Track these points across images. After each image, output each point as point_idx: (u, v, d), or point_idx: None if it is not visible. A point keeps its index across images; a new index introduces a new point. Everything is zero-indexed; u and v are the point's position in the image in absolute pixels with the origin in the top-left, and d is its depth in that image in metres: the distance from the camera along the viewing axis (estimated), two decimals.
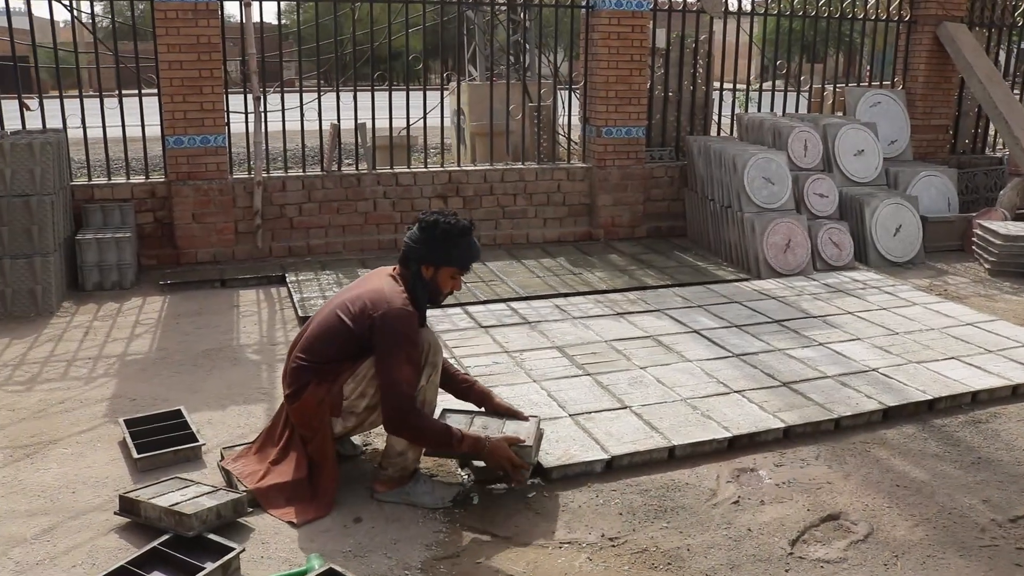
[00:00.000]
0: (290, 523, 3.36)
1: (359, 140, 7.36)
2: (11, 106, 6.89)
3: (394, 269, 3.56)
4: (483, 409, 3.78)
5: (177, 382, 4.79)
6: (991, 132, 10.05)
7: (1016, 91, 9.53)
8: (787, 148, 7.34)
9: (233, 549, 3.11)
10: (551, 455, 3.75)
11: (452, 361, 4.82)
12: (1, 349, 5.26)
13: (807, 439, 4.06)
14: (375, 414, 3.44)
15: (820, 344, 5.17)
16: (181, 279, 6.54)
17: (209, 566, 3.00)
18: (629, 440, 3.89)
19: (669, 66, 8.03)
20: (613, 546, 3.21)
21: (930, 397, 4.40)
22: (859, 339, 5.27)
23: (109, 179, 7.02)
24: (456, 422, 3.64)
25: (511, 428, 3.62)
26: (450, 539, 3.26)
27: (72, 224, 6.68)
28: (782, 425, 4.05)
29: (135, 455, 3.81)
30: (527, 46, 10.00)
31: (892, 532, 3.31)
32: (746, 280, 6.63)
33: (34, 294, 5.89)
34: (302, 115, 7.18)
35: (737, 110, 8.71)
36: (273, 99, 7.37)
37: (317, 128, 7.39)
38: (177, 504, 3.33)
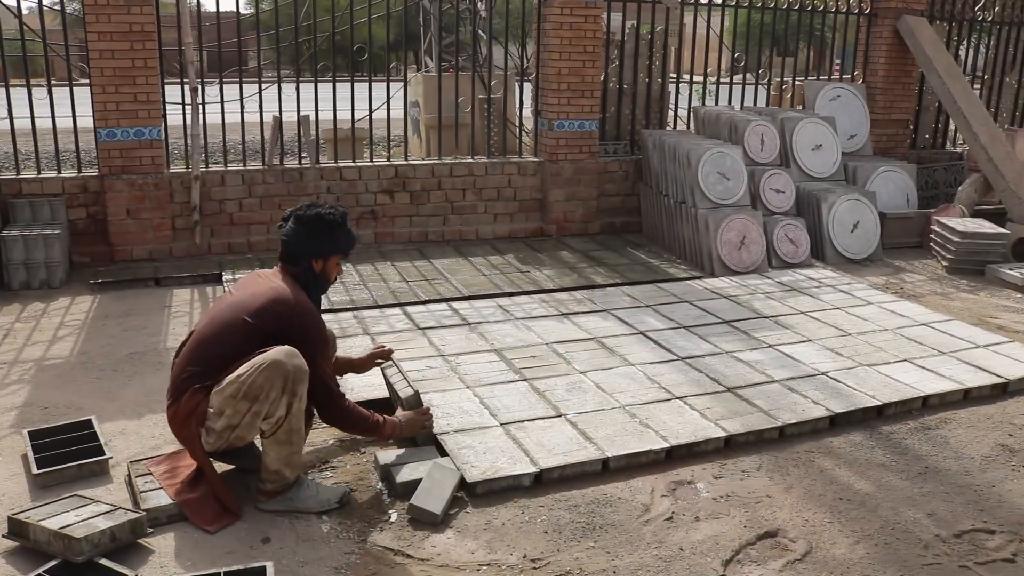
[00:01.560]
0: (205, 531, 3.22)
1: (301, 133, 7.08)
2: None
3: (278, 268, 3.48)
4: None
5: (95, 388, 4.54)
6: (951, 128, 9.95)
7: (975, 86, 9.43)
8: (743, 142, 7.17)
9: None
10: (476, 468, 3.54)
11: (384, 365, 4.63)
12: None
13: (749, 448, 3.89)
14: (235, 433, 3.22)
15: (769, 346, 5.00)
16: (113, 278, 6.25)
17: None
18: (561, 451, 3.69)
19: (624, 58, 7.83)
20: (535, 568, 3.01)
21: (879, 403, 4.24)
22: (810, 340, 5.11)
23: (39, 173, 6.71)
24: None
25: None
26: (362, 561, 3.05)
27: None
28: (723, 434, 3.87)
29: (34, 470, 3.57)
30: (483, 36, 9.76)
31: (831, 550, 3.14)
32: (699, 278, 6.45)
33: None
34: (242, 107, 6.89)
35: (695, 103, 8.54)
36: (218, 90, 7.10)
37: (258, 121, 7.12)
38: (68, 527, 3.10)
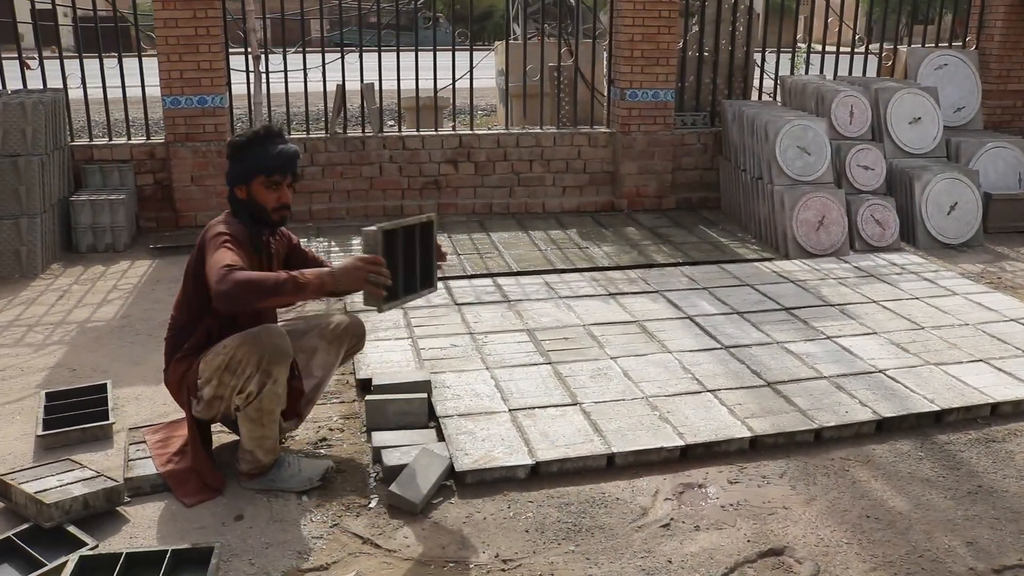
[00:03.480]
0: (183, 503, 3.16)
1: (365, 102, 6.97)
2: (13, 66, 6.78)
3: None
4: None
5: (124, 353, 4.57)
6: None
7: None
8: (830, 114, 6.62)
9: (85, 544, 2.86)
10: (469, 456, 3.34)
11: (409, 343, 4.48)
12: None
13: (777, 452, 3.53)
14: (223, 404, 3.13)
15: (827, 337, 4.56)
16: (174, 243, 6.34)
17: (48, 565, 2.74)
18: (564, 444, 3.44)
19: (705, 24, 7.35)
20: (503, 570, 2.79)
21: (937, 408, 3.78)
22: (875, 333, 4.64)
23: (109, 139, 6.86)
24: None
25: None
26: (327, 547, 2.91)
27: (71, 185, 6.55)
28: (748, 434, 3.52)
29: (39, 432, 3.60)
30: (571, 2, 9.41)
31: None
32: (770, 260, 6.00)
33: (19, 255, 5.77)
34: (305, 75, 6.83)
35: (785, 73, 7.94)
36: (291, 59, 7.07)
37: (322, 90, 7.05)
38: (45, 491, 3.09)
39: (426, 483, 3.17)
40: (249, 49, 6.54)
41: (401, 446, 3.41)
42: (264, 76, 6.59)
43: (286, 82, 6.95)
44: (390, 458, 3.33)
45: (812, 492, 3.24)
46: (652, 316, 4.87)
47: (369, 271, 2.88)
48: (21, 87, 6.55)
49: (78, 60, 6.63)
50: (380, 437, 3.49)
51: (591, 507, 3.13)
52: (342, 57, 6.90)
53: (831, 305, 5.08)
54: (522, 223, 6.92)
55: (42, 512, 2.98)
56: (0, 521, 3.09)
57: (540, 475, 3.31)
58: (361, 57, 6.89)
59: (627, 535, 2.97)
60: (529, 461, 3.31)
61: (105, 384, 4.00)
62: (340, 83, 6.89)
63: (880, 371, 4.14)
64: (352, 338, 3.53)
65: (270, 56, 6.82)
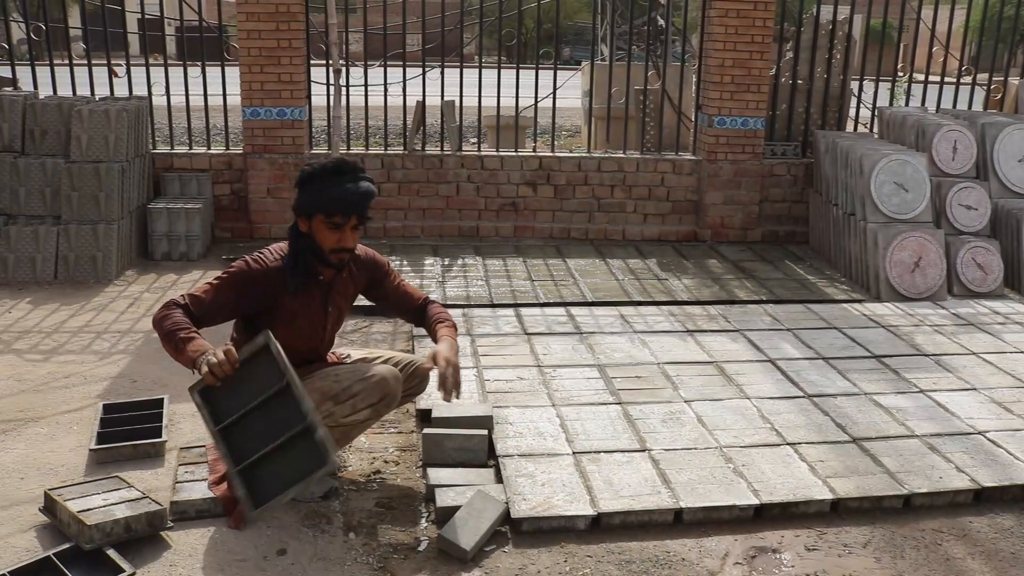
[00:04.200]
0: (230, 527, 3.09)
1: (445, 119, 6.88)
2: (104, 72, 6.90)
3: None
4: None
5: (185, 367, 4.51)
6: None
7: None
8: (931, 149, 6.23)
9: (122, 571, 2.75)
10: (527, 502, 3.14)
11: (473, 372, 4.30)
12: (46, 315, 5.20)
13: (861, 517, 3.23)
14: None
15: (920, 391, 4.22)
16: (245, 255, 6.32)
17: None
18: (629, 494, 3.21)
19: (800, 50, 7.03)
20: None
21: None
22: (975, 389, 4.27)
23: (190, 148, 6.91)
24: None
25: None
26: None
27: (151, 192, 6.62)
28: (829, 496, 3.23)
29: (92, 445, 3.54)
30: (662, 23, 9.19)
31: None
32: (859, 302, 5.65)
33: (95, 261, 5.83)
34: (385, 90, 6.78)
35: (883, 104, 7.56)
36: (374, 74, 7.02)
37: (401, 105, 6.98)
38: (88, 511, 3.01)
39: (479, 529, 2.98)
40: (330, 62, 6.50)
41: (456, 485, 3.24)
42: (344, 90, 6.54)
43: (366, 96, 6.90)
44: (444, 498, 3.15)
45: (899, 567, 2.94)
46: (731, 357, 4.60)
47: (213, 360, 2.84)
48: (108, 94, 6.65)
49: (163, 68, 6.71)
50: (435, 475, 3.32)
51: (654, 567, 2.89)
52: (423, 73, 6.82)
53: (925, 355, 4.72)
54: (600, 250, 6.70)
55: (83, 533, 2.90)
56: (45, 537, 3.03)
57: (601, 527, 3.09)
58: (443, 73, 6.80)
59: None
60: (591, 512, 3.09)
61: (162, 399, 3.94)
62: (420, 99, 6.82)
63: (979, 432, 3.79)
64: (415, 378, 3.45)
65: (351, 70, 6.78)
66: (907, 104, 7.50)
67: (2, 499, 3.26)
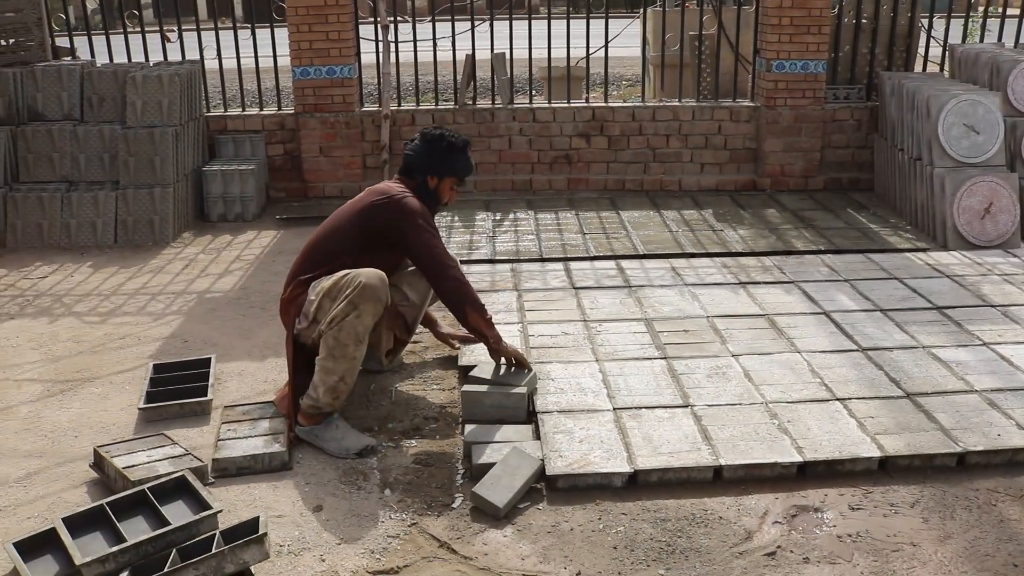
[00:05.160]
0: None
1: (495, 72, 6.76)
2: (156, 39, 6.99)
3: (396, 179, 3.70)
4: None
5: (236, 326, 4.59)
6: None
7: None
8: (1006, 88, 5.88)
9: (211, 508, 2.80)
10: (563, 459, 3.11)
11: (519, 328, 4.27)
12: (106, 278, 5.34)
13: (911, 476, 3.10)
14: (317, 328, 3.34)
15: (984, 344, 4.02)
16: (299, 214, 6.38)
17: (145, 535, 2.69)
18: (668, 451, 3.15)
19: None
20: None
21: None
22: None
23: (243, 110, 6.96)
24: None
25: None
26: (401, 548, 2.76)
27: (205, 155, 6.70)
28: (877, 454, 3.12)
29: (140, 404, 3.63)
30: None
31: None
32: (924, 251, 5.41)
33: (152, 224, 5.95)
34: (435, 45, 6.70)
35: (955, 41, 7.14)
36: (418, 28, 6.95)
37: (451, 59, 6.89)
38: (133, 467, 3.11)
39: (512, 487, 2.96)
40: (378, 19, 6.44)
41: (493, 442, 3.22)
42: (393, 46, 6.49)
43: (415, 52, 6.83)
44: (479, 456, 3.14)
45: (948, 528, 2.82)
46: (784, 310, 4.46)
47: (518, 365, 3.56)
48: (162, 59, 6.72)
49: (214, 32, 6.75)
50: (472, 432, 3.31)
51: (689, 525, 2.84)
52: (472, 27, 6.71)
53: (992, 306, 4.50)
54: (655, 201, 6.56)
55: (127, 488, 2.98)
56: (95, 492, 3.14)
57: (638, 484, 3.05)
58: (492, 26, 6.68)
59: (725, 561, 2.66)
60: (627, 469, 3.04)
61: (209, 359, 4.01)
62: (470, 53, 6.72)
63: None
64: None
65: (399, 26, 6.71)
66: (982, 40, 7.08)
67: (58, 456, 3.37)
